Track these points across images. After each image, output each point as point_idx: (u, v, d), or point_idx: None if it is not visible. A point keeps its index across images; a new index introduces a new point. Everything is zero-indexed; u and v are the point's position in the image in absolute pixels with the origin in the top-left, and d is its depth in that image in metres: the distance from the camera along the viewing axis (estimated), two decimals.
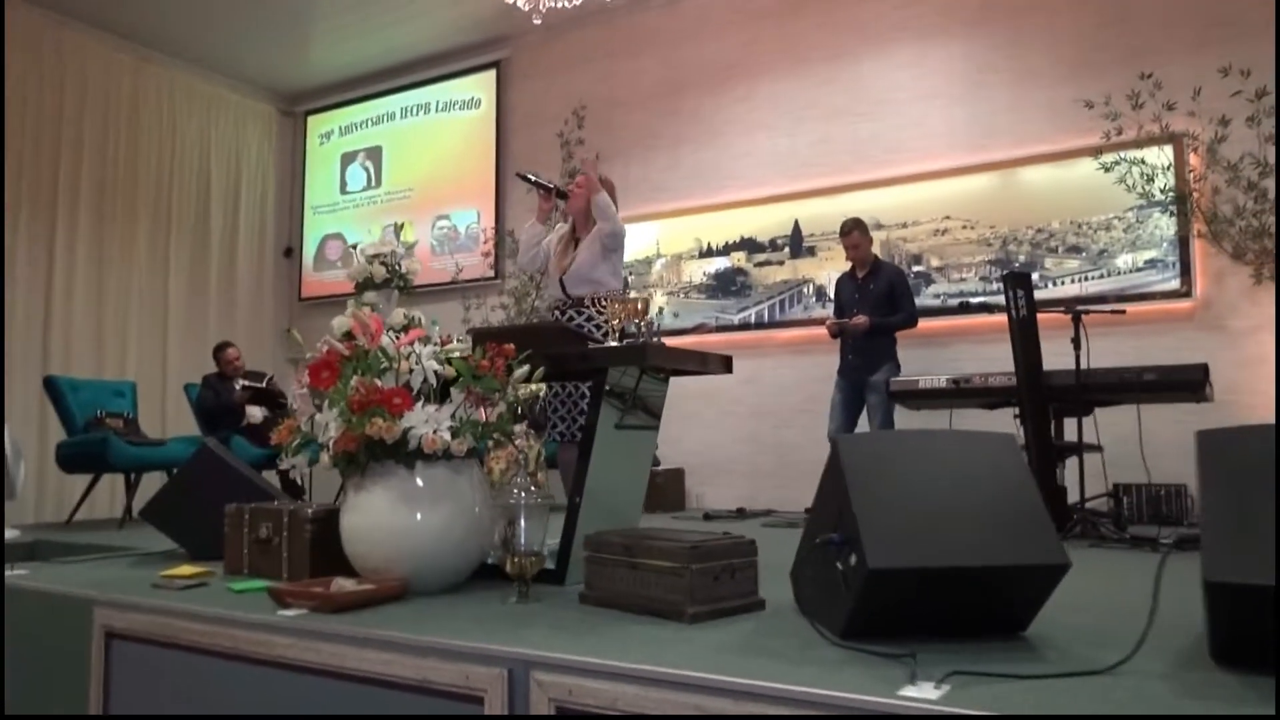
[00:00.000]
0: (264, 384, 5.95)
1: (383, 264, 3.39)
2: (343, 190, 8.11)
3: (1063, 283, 5.00)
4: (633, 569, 2.43)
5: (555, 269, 3.75)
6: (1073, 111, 5.11)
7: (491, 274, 7.17)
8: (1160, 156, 4.81)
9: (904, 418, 4.94)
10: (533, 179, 3.80)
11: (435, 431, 2.62)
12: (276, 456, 5.33)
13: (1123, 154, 4.88)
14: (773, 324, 5.84)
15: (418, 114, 7.74)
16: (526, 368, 2.73)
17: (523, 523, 2.59)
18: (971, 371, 4.67)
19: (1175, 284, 4.76)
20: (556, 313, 3.69)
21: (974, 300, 5.22)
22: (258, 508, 3.14)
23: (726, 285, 6.06)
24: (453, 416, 2.67)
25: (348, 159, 8.12)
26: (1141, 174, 4.83)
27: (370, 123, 7.99)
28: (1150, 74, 4.75)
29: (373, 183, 7.94)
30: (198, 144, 7.63)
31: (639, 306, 2.97)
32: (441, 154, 7.56)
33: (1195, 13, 4.87)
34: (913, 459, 2.09)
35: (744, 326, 5.89)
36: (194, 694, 2.48)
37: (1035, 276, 5.15)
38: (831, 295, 5.67)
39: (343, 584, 2.60)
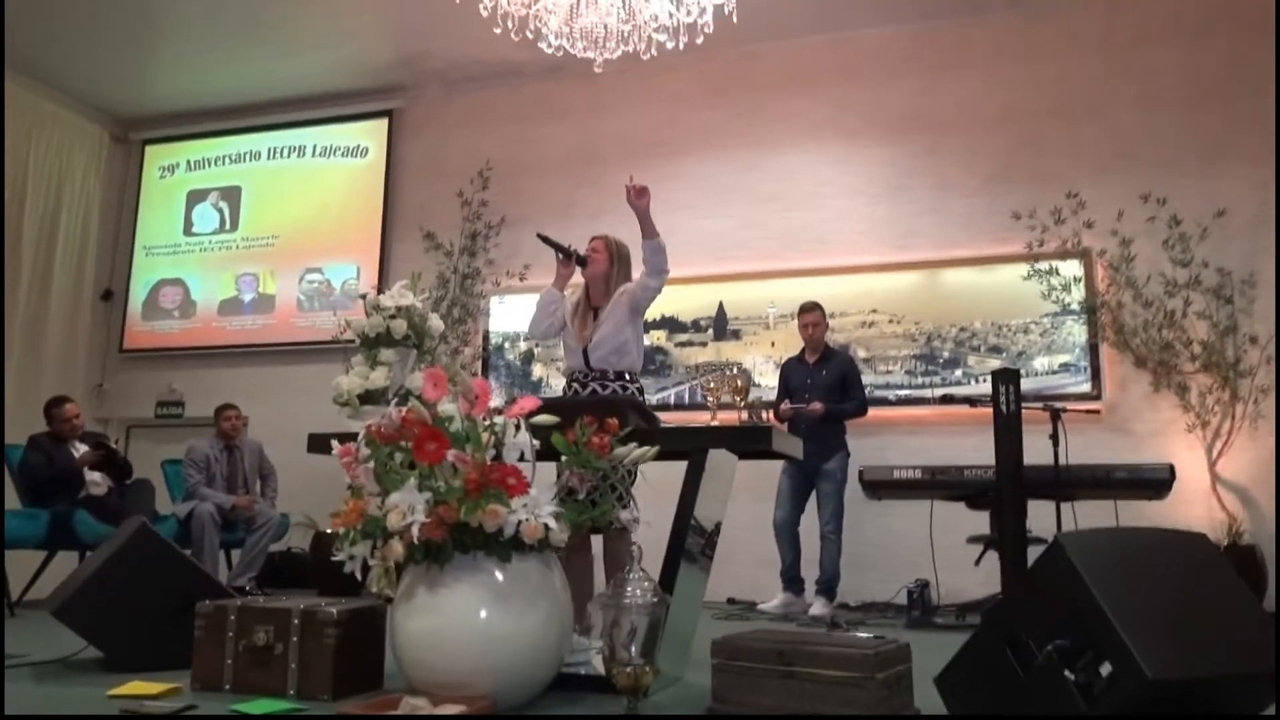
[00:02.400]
0: (113, 447, 5.02)
1: (404, 321, 2.92)
2: (187, 231, 7.18)
3: (985, 380, 5.26)
4: (788, 679, 2.15)
5: (575, 340, 3.42)
6: (988, 220, 5.48)
7: None
8: (1073, 269, 5.24)
9: (859, 507, 4.96)
10: (553, 242, 3.49)
11: (536, 518, 2.24)
12: None
13: (1037, 264, 5.28)
14: (694, 406, 5.71)
15: (289, 155, 7.05)
16: (634, 444, 2.40)
17: (637, 627, 2.25)
18: (907, 463, 4.79)
19: (1086, 387, 5.14)
20: (576, 385, 3.36)
21: (901, 393, 5.41)
22: (251, 606, 2.55)
23: (645, 363, 5.88)
24: (554, 500, 2.30)
25: (196, 197, 7.21)
26: (1057, 284, 5.24)
27: (228, 160, 7.18)
28: (1076, 193, 5.21)
29: (227, 225, 7.09)
30: (11, 161, 6.48)
31: (739, 383, 2.75)
32: (316, 201, 6.90)
33: (1097, 145, 5.41)
34: (1136, 560, 2.01)
35: (663, 406, 5.71)
36: None
37: (958, 373, 5.41)
38: (757, 379, 5.66)
39: (415, 704, 2.13)
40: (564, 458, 2.35)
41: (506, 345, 6.32)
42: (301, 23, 6.13)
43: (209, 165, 7.24)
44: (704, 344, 5.85)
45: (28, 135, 6.65)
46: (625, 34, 3.72)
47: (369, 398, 2.87)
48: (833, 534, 4.71)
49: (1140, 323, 5.13)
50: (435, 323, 3.09)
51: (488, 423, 2.33)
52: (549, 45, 3.96)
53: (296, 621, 2.46)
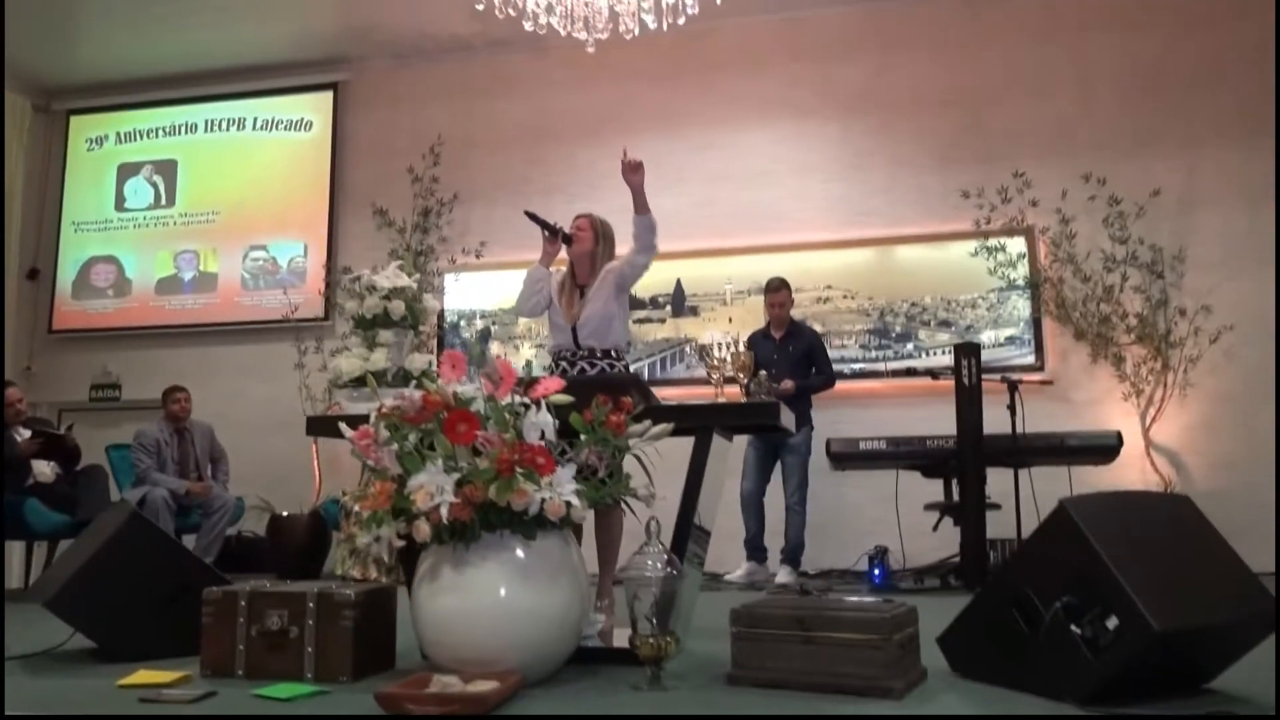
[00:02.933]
0: (61, 432, 4.84)
1: (402, 301, 2.90)
2: (119, 207, 6.89)
3: (936, 353, 5.48)
4: (808, 644, 2.25)
5: (563, 318, 3.44)
6: (938, 199, 5.67)
7: (322, 314, 6.43)
8: (1018, 246, 5.48)
9: (814, 478, 5.10)
10: (540, 220, 3.49)
11: (559, 496, 2.28)
12: (79, 525, 4.40)
13: (986, 242, 5.49)
14: (653, 381, 5.78)
15: (227, 128, 6.82)
16: (648, 422, 2.46)
17: (667, 601, 2.32)
18: (862, 435, 4.95)
19: (1030, 359, 5.39)
20: (564, 363, 3.38)
21: (857, 366, 5.57)
22: (262, 591, 2.53)
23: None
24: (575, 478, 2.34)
25: (127, 170, 6.93)
26: (1003, 260, 5.47)
27: (162, 132, 6.91)
28: (1022, 173, 5.43)
29: (163, 201, 6.83)
30: None
31: (745, 360, 2.82)
32: (258, 176, 6.70)
33: (1040, 127, 5.64)
34: (1132, 520, 2.16)
35: None
36: None
37: (910, 347, 5.60)
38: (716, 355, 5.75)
39: (446, 681, 2.17)
40: (583, 436, 2.39)
41: (462, 323, 6.28)
42: None
43: (141, 137, 6.96)
44: (662, 320, 5.92)
45: None
46: (613, 12, 3.68)
47: (367, 379, 2.84)
48: (798, 505, 4.85)
49: (1080, 297, 5.40)
50: (431, 303, 3.08)
51: (507, 403, 2.35)
52: (534, 25, 3.89)
53: (312, 605, 2.45)
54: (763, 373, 4.56)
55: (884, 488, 5.12)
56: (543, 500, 2.25)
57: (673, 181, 6.15)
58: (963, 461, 4.21)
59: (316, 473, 6.13)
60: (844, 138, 5.93)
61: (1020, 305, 5.48)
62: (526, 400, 2.39)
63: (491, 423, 2.28)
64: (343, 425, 2.56)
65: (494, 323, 6.22)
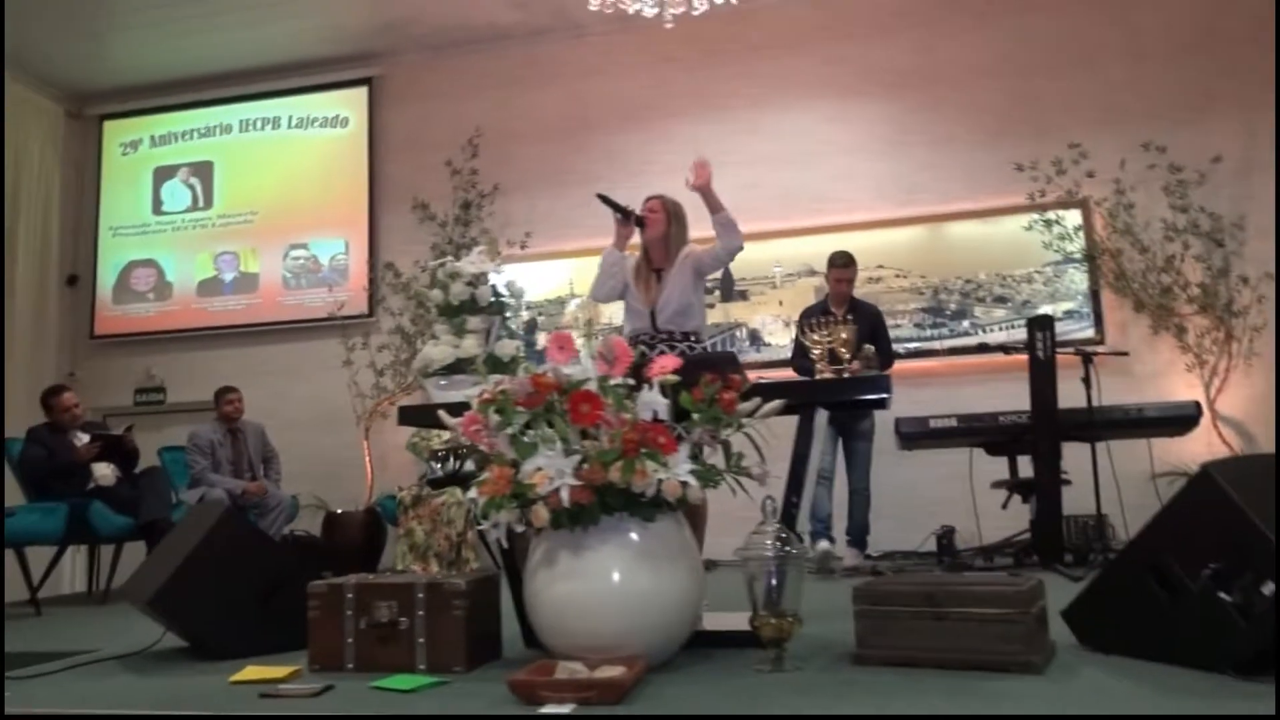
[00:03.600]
0: (121, 433, 4.82)
1: (488, 286, 2.85)
2: (157, 210, 6.87)
3: (993, 330, 5.41)
4: (939, 620, 2.20)
5: (641, 302, 3.40)
6: (989, 173, 5.60)
7: (366, 310, 6.39)
8: (1074, 218, 5.40)
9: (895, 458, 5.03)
10: (612, 202, 3.44)
11: (675, 476, 2.23)
12: (146, 527, 4.37)
13: (1039, 215, 5.42)
14: None
15: (263, 128, 6.79)
16: (758, 400, 2.40)
17: (782, 580, 2.27)
18: (930, 413, 4.89)
19: (1090, 333, 5.32)
20: (643, 346, 3.33)
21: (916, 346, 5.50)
22: (369, 584, 2.49)
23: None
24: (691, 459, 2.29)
25: (164, 174, 6.90)
26: (1058, 233, 5.39)
27: (196, 134, 6.88)
28: (1078, 144, 5.35)
29: (200, 203, 6.81)
30: None
31: (847, 337, 2.76)
32: (295, 175, 6.67)
33: (1092, 96, 5.56)
34: (1273, 483, 2.10)
35: None
36: None
37: (966, 324, 5.53)
38: (766, 339, 5.71)
39: (571, 668, 2.12)
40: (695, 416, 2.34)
41: (508, 314, 6.21)
42: None
43: (175, 140, 6.93)
44: (711, 305, 5.86)
45: None
46: None
47: (457, 366, 2.80)
48: (865, 488, 4.75)
49: (1140, 268, 5.32)
50: (518, 286, 3.02)
51: (617, 383, 2.30)
52: (600, 5, 3.82)
53: (422, 595, 2.41)
54: (868, 347, 4.37)
55: (942, 467, 5.07)
56: (659, 481, 2.20)
57: (717, 165, 5.94)
58: (1038, 437, 4.14)
59: (368, 470, 6.11)
60: (888, 115, 5.86)
61: (1078, 278, 5.41)
62: (629, 380, 2.34)
63: (610, 403, 2.23)
64: (442, 414, 2.52)
65: (540, 313, 6.17)
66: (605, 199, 3.49)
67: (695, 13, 3.82)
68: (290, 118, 6.74)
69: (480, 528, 2.27)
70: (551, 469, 2.16)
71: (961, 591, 2.20)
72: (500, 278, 2.97)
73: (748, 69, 6.13)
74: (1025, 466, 4.61)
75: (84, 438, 4.85)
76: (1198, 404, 4.33)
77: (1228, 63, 5.39)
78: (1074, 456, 4.36)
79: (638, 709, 1.91)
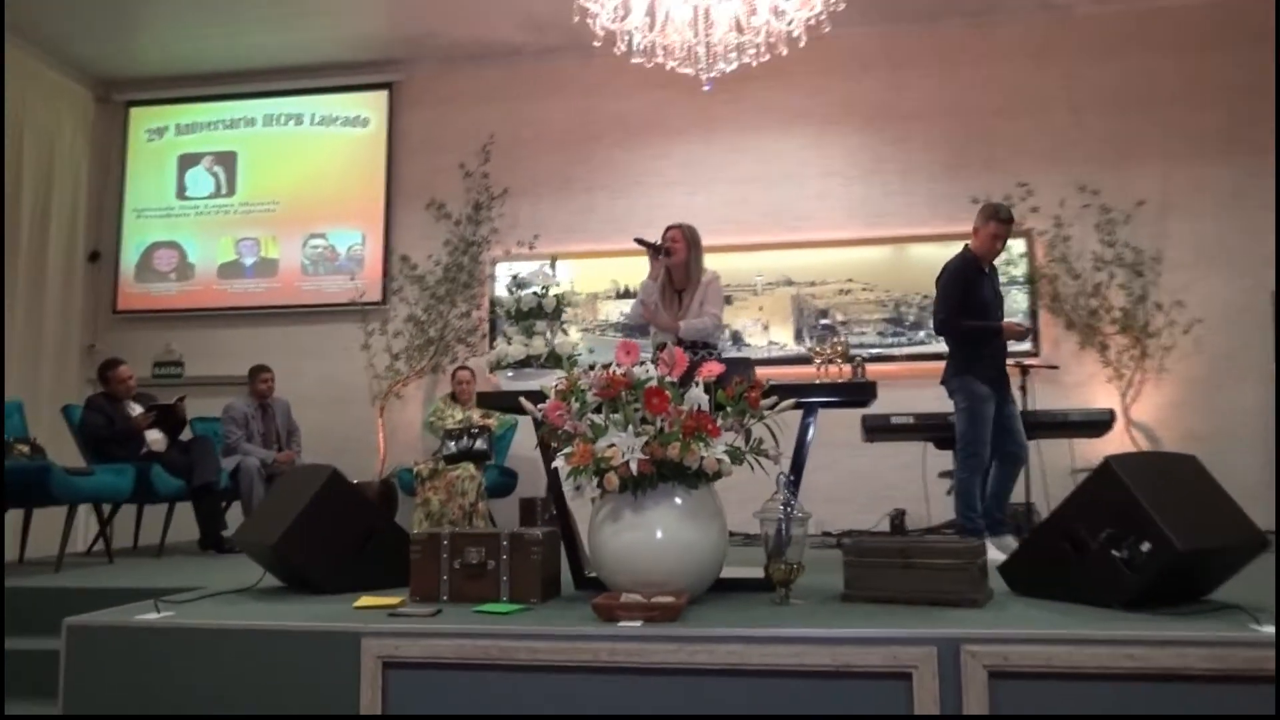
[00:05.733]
0: (173, 404, 5.33)
1: (553, 296, 3.49)
2: (180, 195, 7.33)
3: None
4: (907, 568, 2.91)
5: (667, 321, 4.07)
6: (948, 202, 6.37)
7: (379, 298, 6.95)
8: (1019, 246, 6.20)
9: (831, 450, 5.76)
10: (648, 243, 4.10)
11: (714, 455, 2.91)
12: (200, 489, 4.94)
13: None
14: None
15: (285, 123, 7.28)
16: (775, 397, 3.09)
17: (789, 534, 2.97)
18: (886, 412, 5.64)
19: (1028, 346, 6.12)
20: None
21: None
22: (462, 533, 3.14)
23: (644, 326, 6.52)
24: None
25: (188, 161, 7.36)
26: (1005, 260, 6.17)
27: (221, 125, 7.34)
28: (1025, 183, 6.15)
29: (223, 190, 7.28)
30: (9, 124, 6.51)
31: (841, 350, 3.46)
32: (317, 169, 7.18)
33: (1038, 140, 6.37)
34: (1157, 472, 2.85)
35: None
36: (508, 711, 2.51)
37: (922, 334, 6.30)
38: (747, 340, 6.41)
39: (633, 598, 2.79)
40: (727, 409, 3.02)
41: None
42: None
43: (200, 129, 7.38)
44: None
45: (21, 95, 6.66)
46: (732, 46, 4.22)
47: (525, 361, 3.43)
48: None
49: (1072, 292, 6.15)
50: (573, 296, 3.67)
51: (671, 381, 2.97)
52: (646, 59, 4.43)
53: (505, 543, 3.06)
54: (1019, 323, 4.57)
55: (899, 458, 5.83)
56: (702, 458, 2.88)
57: (707, 181, 6.79)
58: None
59: (381, 444, 6.69)
60: (863, 145, 6.60)
61: (1020, 299, 6.22)
62: (674, 379, 3.01)
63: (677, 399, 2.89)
64: (523, 400, 3.16)
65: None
66: (641, 241, 4.13)
67: (728, 69, 4.42)
68: (313, 115, 7.25)
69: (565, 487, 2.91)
70: (623, 446, 2.83)
71: (926, 547, 2.92)
72: (555, 285, 3.57)
73: (738, 96, 6.79)
74: None
75: (136, 407, 5.35)
76: (1112, 411, 5.15)
77: (1154, 119, 6.24)
78: None
79: (688, 625, 2.59)
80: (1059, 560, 2.88)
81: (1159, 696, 2.24)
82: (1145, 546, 2.66)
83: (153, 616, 2.78)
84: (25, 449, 4.48)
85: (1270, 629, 2.30)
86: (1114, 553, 2.73)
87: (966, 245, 4.56)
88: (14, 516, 4.61)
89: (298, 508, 3.31)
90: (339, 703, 2.53)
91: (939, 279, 4.53)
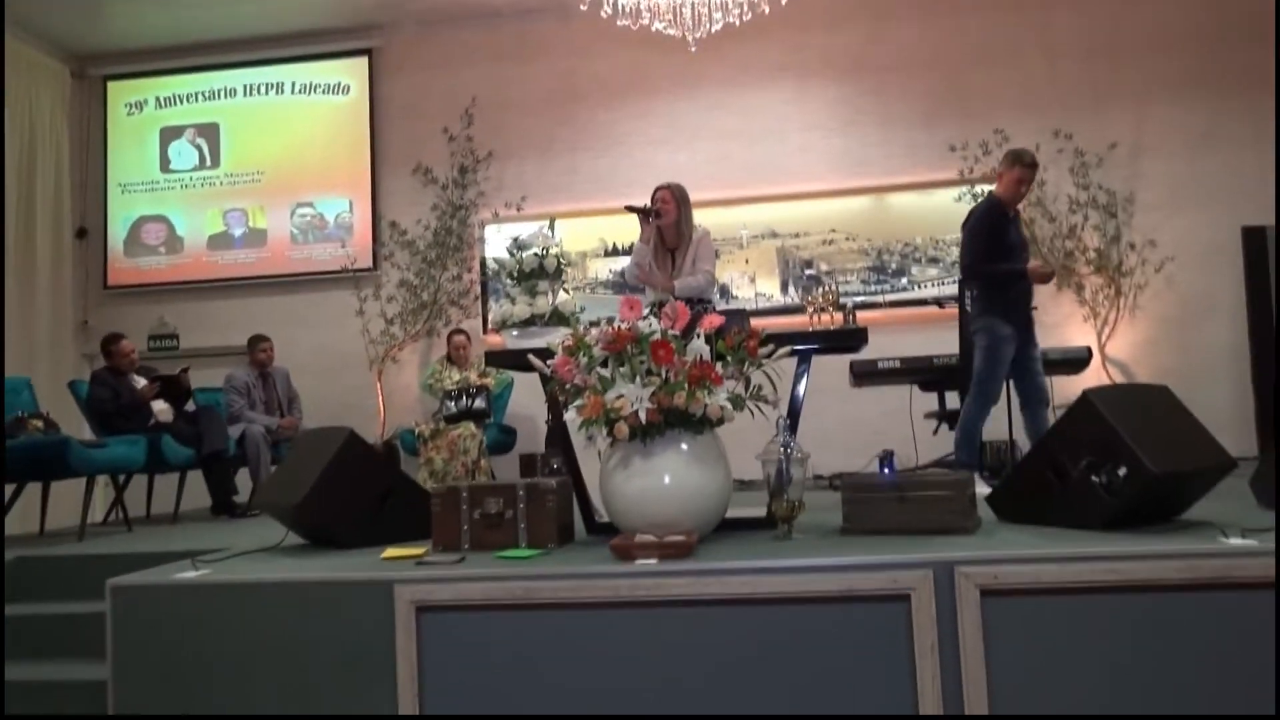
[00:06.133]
0: (177, 374, 5.43)
1: (554, 257, 3.62)
2: (164, 168, 7.34)
3: (928, 286, 6.37)
4: (902, 501, 3.10)
5: (663, 281, 4.20)
6: (927, 151, 6.51)
7: (370, 265, 7.04)
8: None
9: (821, 396, 5.95)
10: (639, 209, 4.21)
11: (718, 402, 3.08)
12: (209, 457, 5.07)
13: (968, 188, 6.36)
14: None
15: (266, 93, 7.28)
16: (771, 345, 3.25)
17: (789, 474, 3.15)
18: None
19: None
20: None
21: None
22: (480, 486, 3.30)
23: (640, 287, 6.67)
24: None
25: (170, 134, 7.36)
26: None
27: (201, 96, 7.34)
28: (1001, 129, 6.29)
29: (208, 162, 7.30)
30: None
31: (832, 299, 3.61)
32: (300, 138, 7.21)
33: (1013, 87, 6.50)
34: (1132, 403, 3.03)
35: None
36: (534, 646, 2.68)
37: (904, 281, 6.48)
38: (735, 292, 6.56)
39: (647, 539, 2.97)
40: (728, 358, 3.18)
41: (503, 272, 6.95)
42: None
43: (180, 102, 7.37)
44: None
45: (2, 73, 6.63)
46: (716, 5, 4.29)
47: (530, 320, 3.57)
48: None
49: (1048, 234, 6.33)
50: (571, 258, 3.79)
51: (675, 334, 3.12)
52: (631, 20, 4.51)
53: (522, 493, 3.22)
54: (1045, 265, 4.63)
55: (886, 402, 6.03)
56: (706, 405, 3.04)
57: (690, 138, 6.88)
58: (964, 376, 5.09)
59: (381, 408, 6.82)
60: (842, 98, 6.70)
61: None
62: (677, 332, 3.16)
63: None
64: (531, 357, 3.30)
65: None
66: (631, 208, 4.24)
67: (714, 29, 4.50)
68: (294, 84, 7.25)
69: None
70: (631, 396, 2.98)
71: (918, 480, 3.11)
72: (554, 246, 3.69)
73: (718, 53, 6.85)
74: (953, 400, 5.59)
75: (140, 380, 5.45)
76: (1089, 349, 5.37)
77: (1126, 62, 6.39)
78: None
79: (700, 559, 2.77)
80: (1042, 488, 3.07)
81: (1138, 606, 2.44)
82: (1122, 471, 2.85)
83: (191, 575, 2.93)
84: (39, 424, 4.58)
85: (1239, 541, 2.50)
86: (1093, 478, 2.92)
87: (991, 191, 4.67)
88: (32, 490, 4.73)
89: (319, 468, 3.45)
90: (376, 645, 2.69)
91: (965, 225, 4.63)
